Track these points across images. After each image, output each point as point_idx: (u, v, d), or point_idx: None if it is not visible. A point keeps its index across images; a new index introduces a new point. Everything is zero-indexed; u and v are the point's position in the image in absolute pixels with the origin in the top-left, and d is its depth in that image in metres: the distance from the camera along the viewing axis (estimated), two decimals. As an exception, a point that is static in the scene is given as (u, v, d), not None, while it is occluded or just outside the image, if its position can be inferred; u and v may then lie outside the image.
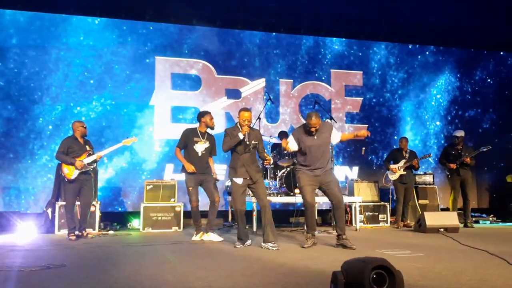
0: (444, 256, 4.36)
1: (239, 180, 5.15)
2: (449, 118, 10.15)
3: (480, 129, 10.26)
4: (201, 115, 6.00)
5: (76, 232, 6.07)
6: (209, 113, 6.05)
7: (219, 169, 8.60)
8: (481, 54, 10.54)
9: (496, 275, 3.39)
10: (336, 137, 5.31)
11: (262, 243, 5.05)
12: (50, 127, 8.07)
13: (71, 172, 5.97)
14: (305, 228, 5.44)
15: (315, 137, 5.13)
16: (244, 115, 5.11)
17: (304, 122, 5.32)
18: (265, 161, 5.39)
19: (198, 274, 3.56)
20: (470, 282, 3.18)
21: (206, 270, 3.73)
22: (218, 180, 6.11)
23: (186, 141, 5.92)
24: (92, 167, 6.17)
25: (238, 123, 5.24)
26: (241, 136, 5.09)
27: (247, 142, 5.12)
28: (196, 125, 6.08)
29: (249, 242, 5.25)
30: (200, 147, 5.89)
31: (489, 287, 3.06)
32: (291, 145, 5.28)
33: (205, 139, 5.94)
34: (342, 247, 5.00)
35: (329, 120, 7.67)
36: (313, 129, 5.07)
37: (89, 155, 6.11)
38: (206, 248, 5.17)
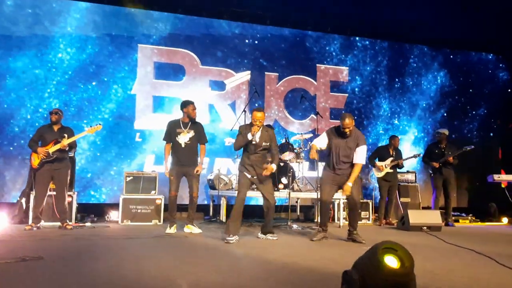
0: (433, 255, 4.32)
1: (248, 174, 5.16)
2: (433, 117, 10.22)
3: (463, 128, 10.37)
4: (183, 105, 5.93)
5: (39, 223, 5.96)
6: (192, 103, 5.94)
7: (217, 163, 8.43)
8: (467, 55, 10.65)
9: (488, 274, 3.37)
10: (359, 155, 5.15)
11: (260, 234, 5.34)
12: (29, 116, 7.72)
13: (36, 161, 5.89)
14: (318, 223, 5.57)
15: (343, 140, 5.19)
16: (256, 115, 5.03)
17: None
18: (263, 171, 5.07)
19: (184, 269, 3.42)
20: (463, 280, 3.14)
21: (191, 265, 3.58)
22: (198, 172, 5.85)
23: (170, 133, 5.86)
24: (55, 156, 5.89)
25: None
26: (249, 136, 5.04)
27: (254, 142, 5.09)
28: (180, 115, 5.98)
29: (237, 237, 5.08)
30: (183, 138, 5.83)
31: (483, 286, 3.02)
32: (320, 141, 5.31)
33: (188, 128, 5.85)
34: (352, 241, 5.25)
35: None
36: (346, 130, 5.09)
37: (56, 143, 5.89)
38: (189, 242, 5.01)
